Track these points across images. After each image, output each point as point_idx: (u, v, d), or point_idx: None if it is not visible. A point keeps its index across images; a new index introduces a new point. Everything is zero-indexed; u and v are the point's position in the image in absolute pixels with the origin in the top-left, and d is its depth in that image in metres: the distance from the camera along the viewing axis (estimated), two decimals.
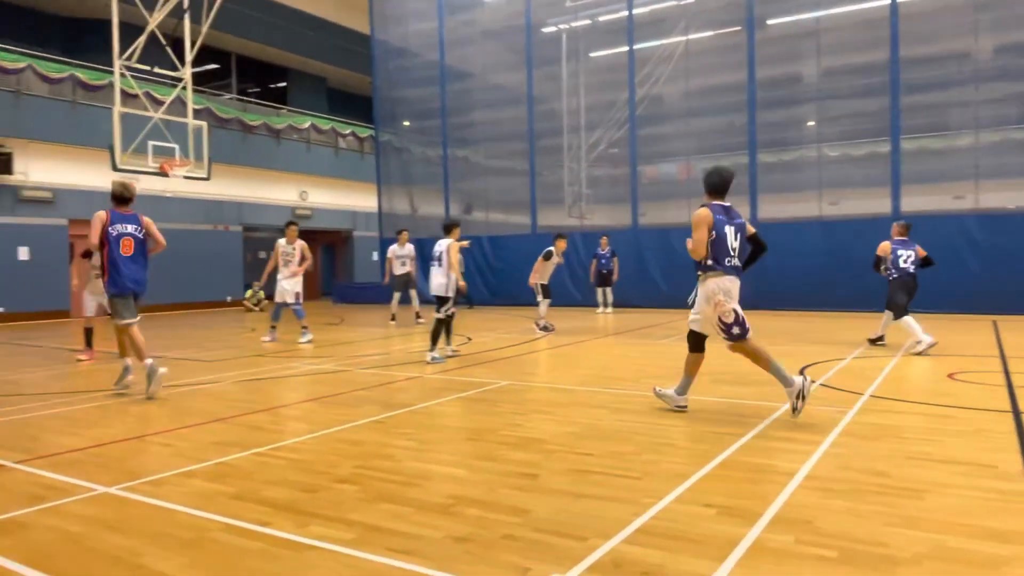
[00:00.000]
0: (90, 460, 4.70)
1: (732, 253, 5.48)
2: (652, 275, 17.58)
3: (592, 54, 20.18)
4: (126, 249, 7.11)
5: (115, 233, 7.08)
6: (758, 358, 5.51)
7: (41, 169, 18.15)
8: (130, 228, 7.20)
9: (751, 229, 5.77)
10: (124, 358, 7.36)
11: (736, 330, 5.47)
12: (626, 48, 18.26)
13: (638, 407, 6.00)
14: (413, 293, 15.08)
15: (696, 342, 5.80)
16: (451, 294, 9.06)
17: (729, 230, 5.47)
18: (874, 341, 9.94)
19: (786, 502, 3.56)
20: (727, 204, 5.62)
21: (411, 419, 5.78)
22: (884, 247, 9.84)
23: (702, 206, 5.53)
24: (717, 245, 5.41)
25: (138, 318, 7.20)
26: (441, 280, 9.04)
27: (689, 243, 5.51)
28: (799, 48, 17.34)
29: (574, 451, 4.64)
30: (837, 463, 4.23)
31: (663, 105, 18.74)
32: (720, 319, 5.48)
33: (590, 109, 19.94)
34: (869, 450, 4.53)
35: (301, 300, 11.91)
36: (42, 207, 18.00)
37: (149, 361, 6.95)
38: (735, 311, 5.44)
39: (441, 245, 9.14)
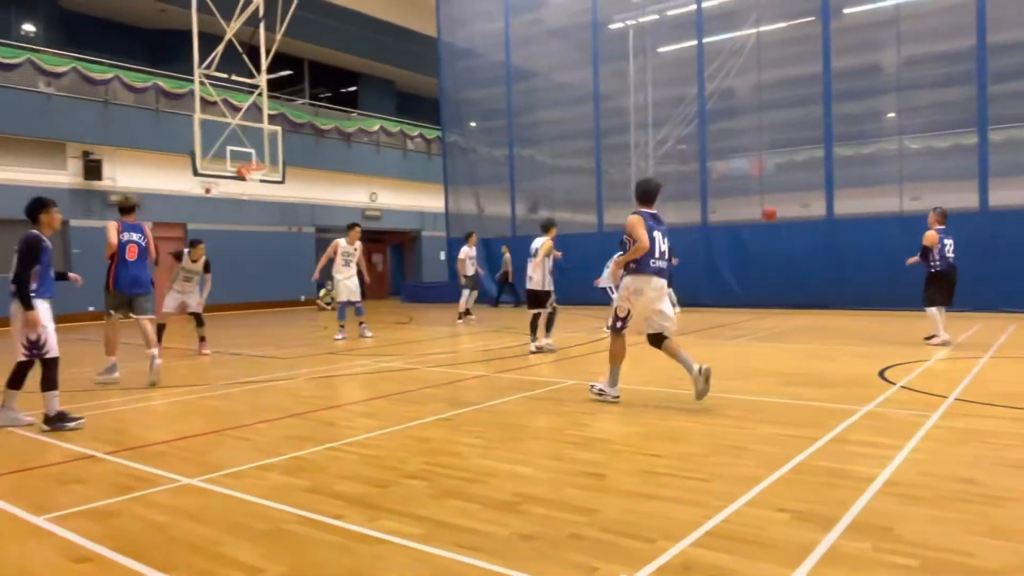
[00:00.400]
0: (173, 452, 4.92)
1: (658, 256, 6.02)
2: (722, 273, 17.22)
3: (660, 49, 19.89)
4: (131, 254, 7.93)
5: (124, 240, 7.90)
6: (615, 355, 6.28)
7: (127, 174, 19.08)
8: (135, 236, 8.01)
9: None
10: (111, 356, 8.07)
11: (618, 324, 6.25)
12: (695, 42, 17.94)
13: (707, 408, 5.89)
14: (474, 293, 15.30)
15: (653, 339, 6.20)
16: (550, 288, 9.68)
17: (658, 235, 5.99)
18: (931, 340, 9.55)
19: (864, 508, 3.44)
20: (654, 211, 6.18)
21: (477, 417, 5.83)
22: (932, 237, 9.43)
23: (633, 213, 6.06)
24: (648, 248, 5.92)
25: (149, 315, 8.13)
26: (537, 276, 9.65)
27: (631, 244, 6.03)
28: (878, 37, 16.66)
29: (641, 452, 4.59)
30: (919, 469, 4.06)
31: (733, 99, 18.32)
32: (615, 311, 6.27)
33: (658, 105, 19.66)
34: (954, 456, 4.32)
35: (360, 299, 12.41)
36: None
37: (154, 351, 7.85)
38: (627, 311, 6.17)
39: (537, 243, 9.71)
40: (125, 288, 7.88)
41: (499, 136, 22.00)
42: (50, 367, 5.71)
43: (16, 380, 5.77)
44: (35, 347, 5.68)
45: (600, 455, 4.53)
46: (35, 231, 5.80)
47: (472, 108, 22.74)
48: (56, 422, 5.65)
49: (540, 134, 21.42)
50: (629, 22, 19.88)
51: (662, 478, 4.02)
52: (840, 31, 16.31)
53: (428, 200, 26.78)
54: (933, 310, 9.29)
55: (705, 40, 17.85)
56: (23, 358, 5.72)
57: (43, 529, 3.47)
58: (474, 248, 15.11)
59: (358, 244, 12.23)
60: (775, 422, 5.33)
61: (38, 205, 5.90)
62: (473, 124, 23.27)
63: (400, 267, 29.31)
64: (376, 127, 25.56)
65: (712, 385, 5.90)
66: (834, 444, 4.65)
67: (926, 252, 9.47)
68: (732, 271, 17.08)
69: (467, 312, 15.28)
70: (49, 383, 5.68)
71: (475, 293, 15.86)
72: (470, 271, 15.07)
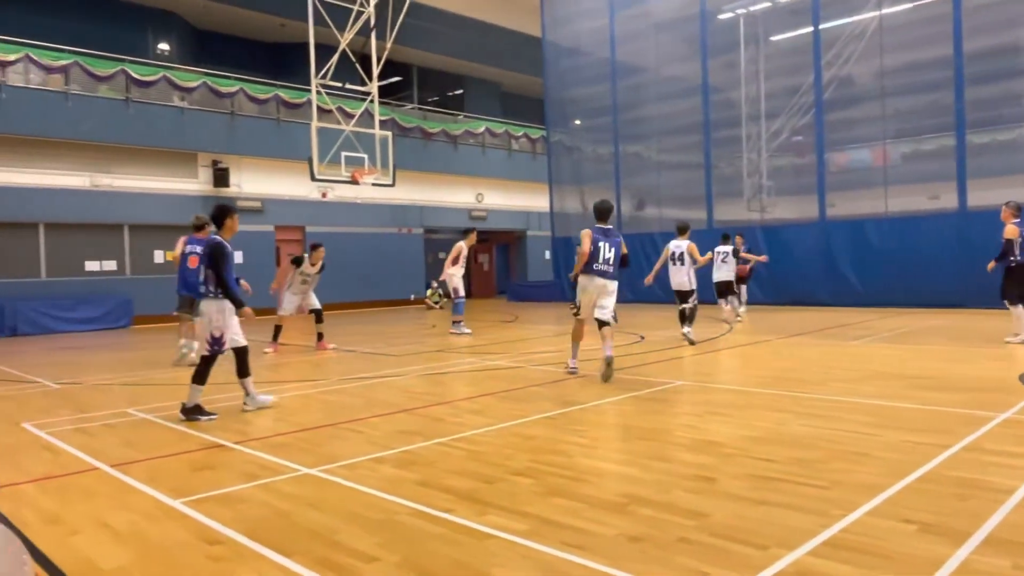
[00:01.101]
0: (294, 444, 5.19)
1: (601, 261, 7.58)
2: (842, 271, 16.36)
3: (773, 38, 19.12)
4: (191, 264, 9.39)
5: (187, 251, 9.58)
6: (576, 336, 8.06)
7: (252, 181, 20.28)
8: (197, 248, 9.18)
9: (624, 249, 7.84)
10: (182, 338, 9.75)
11: (573, 311, 7.97)
12: (811, 29, 17.13)
13: (825, 412, 5.62)
14: None
15: (599, 324, 7.54)
16: (694, 287, 10.56)
17: (603, 244, 7.59)
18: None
19: (1002, 522, 3.18)
20: (608, 227, 7.77)
21: (583, 416, 5.81)
22: (1013, 230, 8.85)
23: (586, 228, 7.72)
24: (592, 254, 7.53)
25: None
26: (683, 278, 10.55)
27: (579, 251, 7.59)
28: (1017, 14, 15.34)
29: (753, 456, 4.43)
30: None
31: (853, 87, 17.36)
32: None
33: (770, 96, 18.90)
34: None
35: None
36: (253, 215, 20.09)
37: (183, 341, 9.62)
38: (578, 303, 7.81)
39: (681, 246, 10.57)
40: (183, 290, 9.56)
41: (604, 133, 21.82)
42: (241, 356, 6.40)
43: (201, 375, 6.18)
44: (217, 343, 6.24)
45: (710, 458, 4.41)
46: (218, 236, 6.37)
47: (577, 106, 22.67)
48: (254, 400, 6.47)
49: (646, 130, 21.07)
50: (740, 11, 19.22)
51: (776, 483, 3.87)
52: (973, 10, 15.11)
53: (533, 200, 26.93)
54: (1020, 308, 8.92)
55: (822, 26, 17.01)
56: (206, 353, 6.26)
57: (179, 512, 3.75)
58: None
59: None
60: (901, 428, 5.01)
61: (225, 211, 6.50)
62: (578, 122, 23.19)
63: (506, 267, 29.63)
64: (482, 128, 25.95)
65: (833, 388, 5.61)
66: (967, 453, 4.32)
67: (1010, 248, 9.01)
68: (853, 268, 16.19)
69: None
70: (243, 371, 6.39)
71: None
72: None
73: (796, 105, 17.90)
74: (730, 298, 13.16)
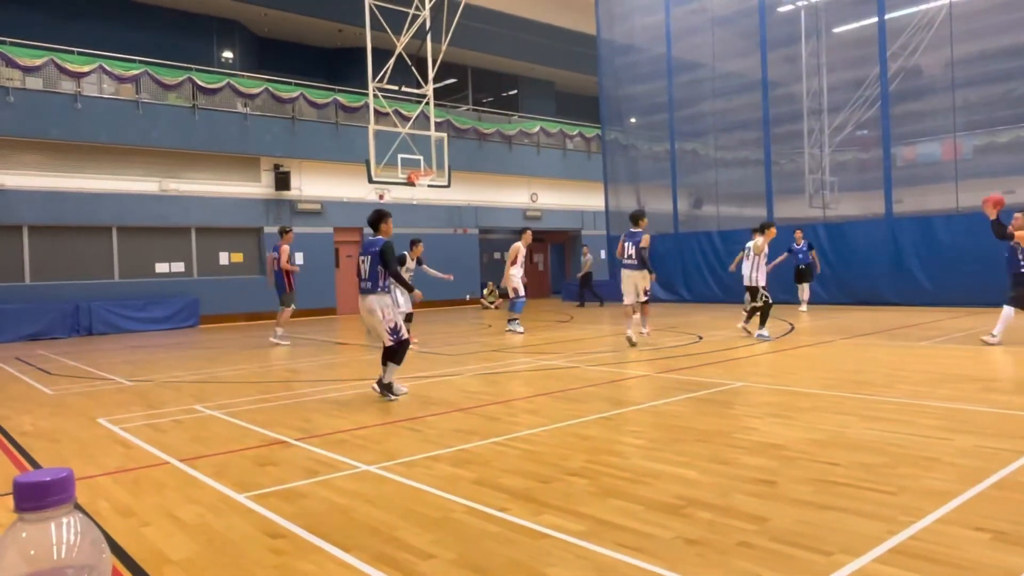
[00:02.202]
0: (353, 440, 5.29)
1: (625, 257, 10.29)
2: (910, 269, 15.78)
3: (835, 30, 18.58)
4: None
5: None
6: None
7: (312, 184, 20.75)
8: (274, 253, 12.13)
9: (644, 243, 10.06)
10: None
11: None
12: (876, 19, 16.58)
13: (892, 415, 5.43)
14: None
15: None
16: (761, 284, 10.90)
17: (628, 244, 9.95)
18: None
19: None
20: (635, 230, 10.20)
21: (639, 417, 5.76)
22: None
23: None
24: (621, 253, 10.18)
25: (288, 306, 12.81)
26: (752, 272, 11.06)
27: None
28: None
29: (817, 459, 4.32)
30: None
31: (922, 78, 16.73)
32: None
33: (833, 89, 18.36)
34: None
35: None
36: (313, 217, 20.55)
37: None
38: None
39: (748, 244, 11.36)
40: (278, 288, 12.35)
41: (660, 131, 21.56)
42: (404, 347, 6.90)
43: (398, 358, 6.84)
44: (395, 332, 6.84)
45: (771, 461, 4.31)
46: (383, 238, 6.95)
47: (632, 104, 22.46)
48: (387, 391, 6.91)
49: (703, 127, 20.74)
50: (800, 3, 18.74)
51: (840, 488, 3.76)
52: None
53: (588, 199, 26.80)
54: (1010, 311, 8.87)
55: (888, 16, 16.45)
56: (391, 343, 6.82)
57: (244, 506, 3.86)
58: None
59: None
60: (974, 432, 4.81)
61: (382, 215, 7.05)
62: (633, 120, 22.97)
63: (561, 266, 29.56)
64: (536, 128, 25.95)
65: (900, 391, 5.42)
66: None
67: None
68: (922, 266, 15.61)
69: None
70: (398, 359, 6.88)
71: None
72: None
73: (860, 98, 17.35)
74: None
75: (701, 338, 11.29)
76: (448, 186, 18.89)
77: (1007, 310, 9.10)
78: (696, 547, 3.05)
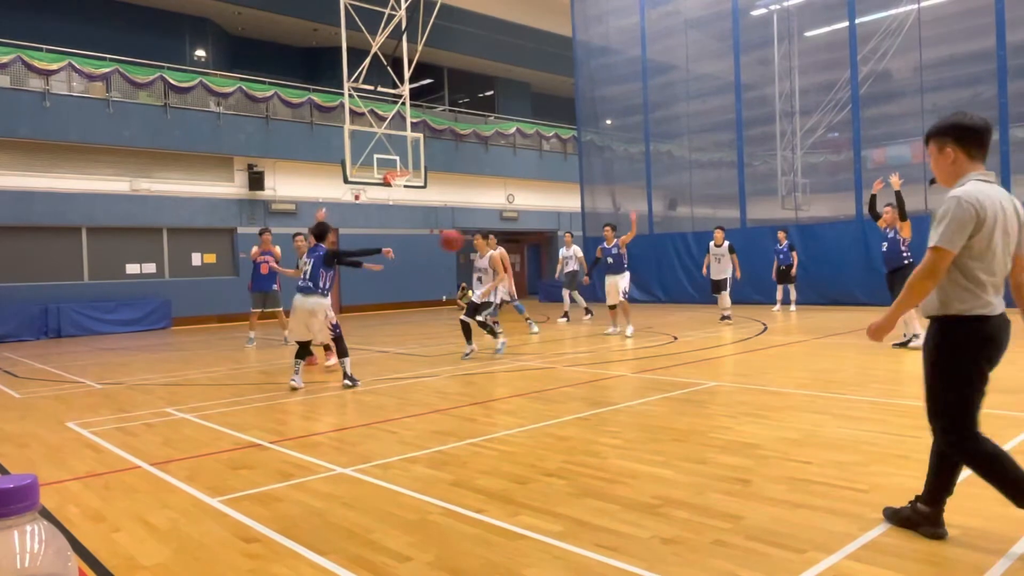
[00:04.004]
0: (329, 443, 5.25)
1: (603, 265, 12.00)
2: (880, 270, 15.99)
3: (807, 33, 18.85)
4: (263, 271, 12.30)
5: (260, 261, 12.26)
6: None
7: (286, 184, 20.54)
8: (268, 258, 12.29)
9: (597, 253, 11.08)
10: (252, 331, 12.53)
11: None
12: (847, 24, 16.84)
13: (865, 414, 5.51)
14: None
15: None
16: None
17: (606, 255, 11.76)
18: None
19: None
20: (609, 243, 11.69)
21: (616, 417, 5.78)
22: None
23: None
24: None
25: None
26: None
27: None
28: None
29: (791, 458, 4.36)
30: None
31: (891, 82, 17.02)
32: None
33: (805, 92, 18.63)
34: None
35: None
36: (287, 218, 20.35)
37: (286, 333, 11.17)
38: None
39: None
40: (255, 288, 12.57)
41: (635, 132, 21.68)
42: (340, 340, 7.72)
43: (343, 348, 7.69)
44: (335, 327, 7.63)
45: (745, 460, 4.35)
46: (325, 247, 7.78)
47: (608, 105, 22.57)
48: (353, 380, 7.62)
49: (678, 128, 20.91)
50: (773, 7, 18.97)
51: (814, 486, 3.80)
52: (1016, 0, 14.73)
53: (564, 200, 26.87)
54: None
55: (858, 20, 16.70)
56: (333, 337, 7.66)
57: (217, 510, 3.81)
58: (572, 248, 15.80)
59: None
60: None
61: (327, 228, 8.05)
62: (609, 122, 23.08)
63: (537, 267, 29.60)
64: (512, 129, 25.96)
65: (873, 390, 5.50)
66: (1014, 455, 4.19)
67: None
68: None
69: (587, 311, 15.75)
70: (344, 350, 7.70)
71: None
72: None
73: (832, 101, 17.62)
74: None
75: (676, 338, 11.37)
76: (424, 187, 18.82)
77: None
78: (672, 546, 3.07)
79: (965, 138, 3.06)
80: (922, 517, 3.08)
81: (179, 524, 3.61)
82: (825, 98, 17.77)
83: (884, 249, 9.44)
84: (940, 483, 3.09)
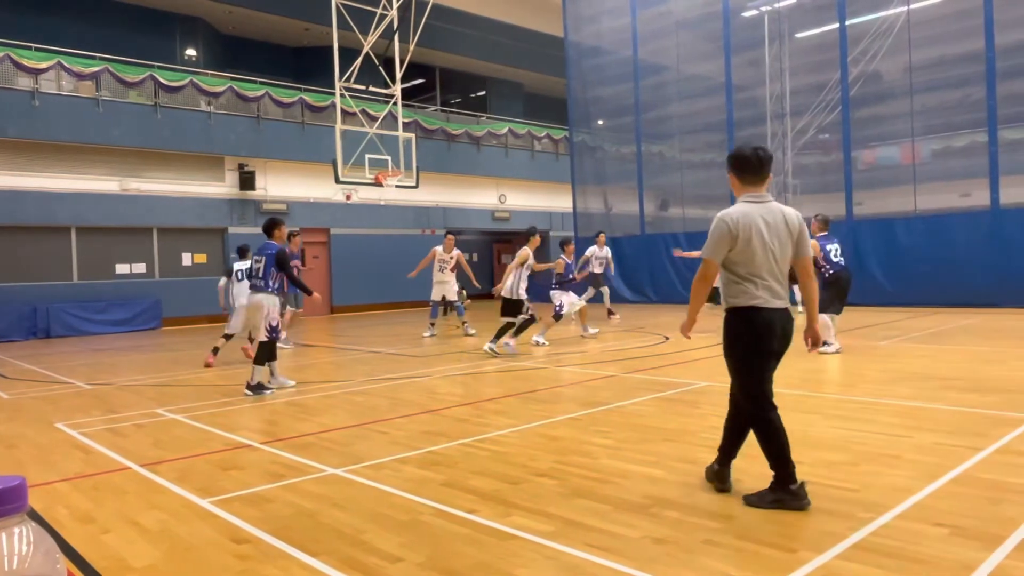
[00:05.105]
0: (320, 443, 5.23)
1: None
2: (871, 270, 16.11)
3: (798, 35, 18.91)
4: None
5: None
6: None
7: (277, 184, 20.48)
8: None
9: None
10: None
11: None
12: (837, 25, 16.92)
13: (854, 414, 5.54)
14: (605, 291, 15.37)
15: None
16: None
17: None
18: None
19: None
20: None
21: (607, 417, 5.79)
22: (814, 247, 9.12)
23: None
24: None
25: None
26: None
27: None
28: None
29: None
30: None
31: (881, 83, 17.11)
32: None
33: (796, 93, 18.70)
34: None
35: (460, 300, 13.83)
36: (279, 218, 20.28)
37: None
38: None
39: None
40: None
41: (627, 133, 21.73)
42: (272, 345, 7.57)
43: (271, 355, 7.54)
44: (274, 331, 7.55)
45: (736, 460, 4.36)
46: (277, 244, 7.64)
47: (599, 106, 22.60)
48: (258, 389, 7.40)
49: (669, 129, 20.95)
50: (764, 8, 19.03)
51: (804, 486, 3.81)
52: (1004, 3, 14.84)
53: (556, 200, 26.88)
54: (826, 317, 8.90)
55: (849, 22, 16.79)
56: (265, 339, 7.50)
57: (207, 511, 3.79)
58: (604, 248, 15.15)
59: (455, 252, 13.54)
60: (932, 430, 4.93)
61: (275, 223, 7.79)
62: (600, 122, 23.12)
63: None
64: (504, 130, 25.96)
65: (861, 389, 5.52)
66: (1000, 455, 4.24)
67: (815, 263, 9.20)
68: (881, 268, 15.95)
69: (610, 312, 15.46)
70: (262, 359, 7.52)
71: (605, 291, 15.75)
72: (597, 270, 15.11)
73: (822, 102, 17.69)
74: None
75: (668, 338, 11.39)
76: (416, 187, 18.79)
77: (823, 317, 9.01)
78: (663, 546, 3.08)
79: (738, 167, 3.67)
80: (714, 474, 3.83)
81: (169, 525, 3.60)
82: (815, 99, 17.85)
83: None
84: (731, 445, 3.87)
